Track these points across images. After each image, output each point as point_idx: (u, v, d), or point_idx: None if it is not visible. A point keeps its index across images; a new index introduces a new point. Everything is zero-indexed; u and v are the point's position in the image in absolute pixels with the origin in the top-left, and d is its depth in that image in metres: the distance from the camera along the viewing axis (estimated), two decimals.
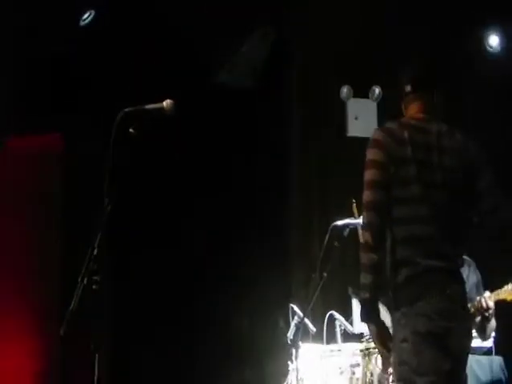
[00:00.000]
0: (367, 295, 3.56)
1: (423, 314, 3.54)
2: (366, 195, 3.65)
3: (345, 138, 7.56)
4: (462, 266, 3.81)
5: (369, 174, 3.68)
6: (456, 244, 3.72)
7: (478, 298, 5.00)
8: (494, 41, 7.47)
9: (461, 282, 3.73)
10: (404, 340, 3.55)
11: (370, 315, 3.62)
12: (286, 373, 5.35)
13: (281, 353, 5.54)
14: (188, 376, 7.11)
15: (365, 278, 3.56)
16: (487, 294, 5.04)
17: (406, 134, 3.72)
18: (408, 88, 3.90)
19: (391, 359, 3.68)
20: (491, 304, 4.98)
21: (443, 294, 3.58)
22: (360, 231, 5.16)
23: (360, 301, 3.64)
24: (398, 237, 3.64)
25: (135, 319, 7.11)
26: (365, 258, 3.58)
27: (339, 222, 5.05)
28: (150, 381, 7.18)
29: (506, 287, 5.01)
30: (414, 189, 3.65)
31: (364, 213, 3.65)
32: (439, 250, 3.64)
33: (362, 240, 3.66)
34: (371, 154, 3.71)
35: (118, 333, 7.00)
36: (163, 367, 7.12)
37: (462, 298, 3.71)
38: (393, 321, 3.67)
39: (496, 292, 5.03)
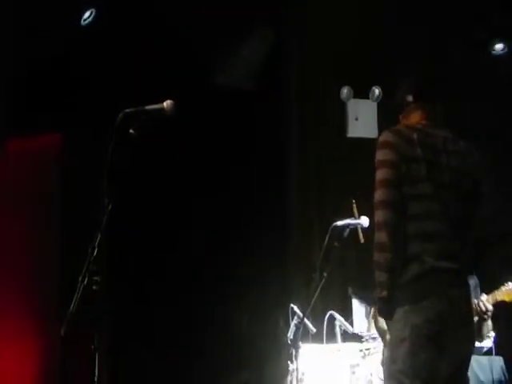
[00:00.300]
0: (385, 293, 3.56)
1: (425, 315, 3.53)
2: (379, 194, 3.63)
3: (343, 138, 7.56)
4: (470, 270, 3.80)
5: (381, 174, 3.65)
6: (464, 245, 3.71)
7: (475, 301, 4.98)
8: (496, 44, 7.44)
9: (465, 284, 3.73)
10: (403, 339, 3.54)
11: (388, 312, 3.61)
12: (285, 373, 5.34)
13: (281, 353, 5.53)
14: (187, 377, 7.10)
15: (381, 277, 3.56)
16: (484, 296, 5.03)
17: (414, 136, 3.72)
18: (410, 98, 3.90)
19: (384, 354, 3.66)
20: (490, 307, 4.96)
21: (447, 295, 3.58)
22: (360, 231, 5.18)
23: (378, 298, 3.62)
24: (409, 233, 3.62)
25: (134, 319, 7.10)
26: (380, 257, 3.57)
27: (339, 223, 5.02)
28: (149, 381, 7.18)
29: (502, 288, 5.00)
30: (425, 187, 3.65)
31: (378, 211, 3.62)
32: (449, 250, 3.64)
33: (375, 239, 3.61)
34: (382, 155, 3.69)
35: (118, 333, 6.99)
36: (163, 368, 7.12)
37: (466, 300, 3.71)
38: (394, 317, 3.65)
39: (493, 293, 5.02)
